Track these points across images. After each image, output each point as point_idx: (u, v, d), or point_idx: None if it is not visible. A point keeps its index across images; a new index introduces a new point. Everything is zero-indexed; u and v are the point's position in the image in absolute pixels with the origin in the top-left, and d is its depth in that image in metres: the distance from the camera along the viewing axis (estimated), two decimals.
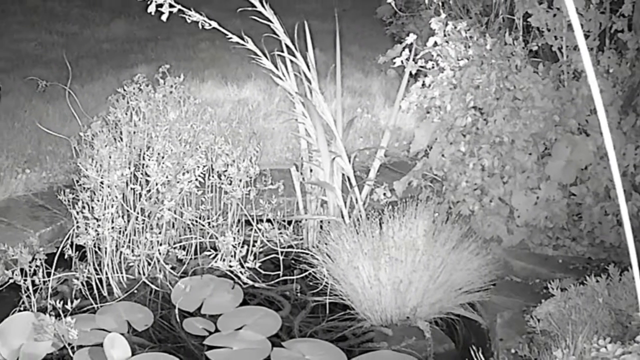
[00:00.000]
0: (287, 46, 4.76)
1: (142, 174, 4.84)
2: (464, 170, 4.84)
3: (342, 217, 4.82)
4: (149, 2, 4.06)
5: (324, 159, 4.83)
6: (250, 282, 4.68)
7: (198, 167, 4.85)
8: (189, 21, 4.35)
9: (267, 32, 4.64)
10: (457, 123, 4.95)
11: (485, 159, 4.79)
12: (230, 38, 4.52)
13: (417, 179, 5.07)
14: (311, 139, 4.90)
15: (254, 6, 4.51)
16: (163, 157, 4.81)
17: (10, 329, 4.19)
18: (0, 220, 5.18)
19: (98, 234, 4.59)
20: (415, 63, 5.37)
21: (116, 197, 4.67)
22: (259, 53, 4.71)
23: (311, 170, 5.01)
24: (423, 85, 5.27)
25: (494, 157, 4.79)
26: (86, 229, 4.59)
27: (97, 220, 4.58)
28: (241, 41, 4.59)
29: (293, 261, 4.87)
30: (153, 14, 4.14)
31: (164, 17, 4.07)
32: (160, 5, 4.01)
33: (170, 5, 4.03)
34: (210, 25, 4.41)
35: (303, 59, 4.80)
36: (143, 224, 4.79)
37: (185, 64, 7.62)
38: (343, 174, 4.93)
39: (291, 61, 4.84)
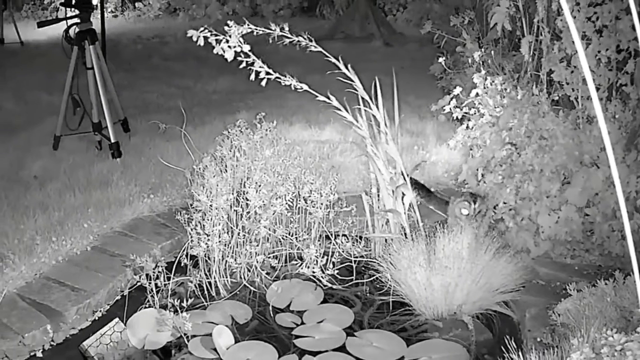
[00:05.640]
0: (362, 98, 4.76)
1: (243, 198, 4.90)
2: (501, 194, 4.85)
3: (404, 234, 4.81)
4: (250, 72, 4.04)
5: (391, 187, 4.84)
6: (329, 285, 4.72)
7: (288, 193, 4.90)
8: (282, 84, 4.31)
9: (339, 84, 4.64)
10: (495, 155, 4.97)
11: (520, 186, 4.80)
12: (317, 97, 4.49)
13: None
14: (379, 171, 4.90)
15: (336, 66, 4.50)
16: (260, 186, 4.87)
17: (138, 322, 4.29)
18: (129, 235, 5.28)
19: (208, 246, 4.67)
20: (461, 110, 5.40)
21: (222, 217, 4.74)
22: (340, 107, 4.70)
23: (379, 196, 5.03)
24: (467, 127, 5.29)
25: (526, 183, 4.80)
26: (198, 242, 4.67)
27: (207, 235, 4.66)
28: (327, 100, 4.57)
29: (363, 268, 4.87)
30: (253, 80, 4.11)
31: (263, 83, 4.05)
32: (258, 74, 4.00)
33: (267, 73, 4.02)
34: (301, 88, 4.37)
35: (375, 107, 4.79)
36: (244, 238, 4.85)
37: (277, 110, 7.66)
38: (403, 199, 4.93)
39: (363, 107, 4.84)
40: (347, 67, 4.52)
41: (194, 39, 3.47)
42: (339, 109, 4.69)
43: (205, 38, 3.64)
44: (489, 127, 5.09)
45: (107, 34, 7.63)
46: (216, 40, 3.64)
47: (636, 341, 2.94)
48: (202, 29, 3.59)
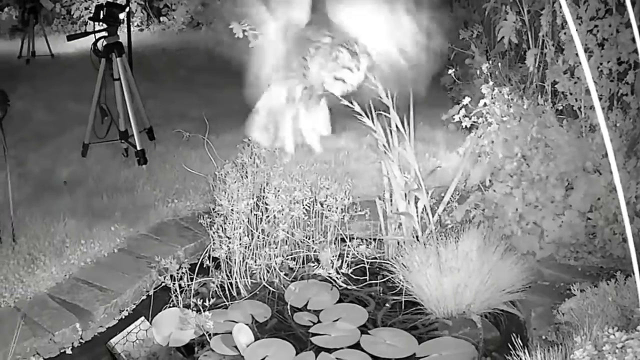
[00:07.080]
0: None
1: (262, 203, 4.92)
2: (509, 202, 4.84)
3: (416, 237, 4.82)
4: None
5: (405, 191, 4.85)
6: (344, 285, 4.73)
7: (305, 198, 4.93)
8: None
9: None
10: (506, 167, 4.97)
11: (526, 193, 4.80)
12: (341, 101, 4.48)
13: (472, 208, 5.08)
14: (394, 175, 4.90)
15: None
16: (279, 191, 4.90)
17: (163, 321, 4.33)
18: (155, 238, 5.31)
19: (229, 249, 4.70)
20: (470, 119, 5.39)
21: (243, 220, 4.77)
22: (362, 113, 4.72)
23: (391, 201, 5.03)
24: (475, 136, 5.29)
25: (532, 190, 4.81)
26: (220, 245, 4.70)
27: (229, 238, 4.70)
28: (350, 105, 4.59)
29: (377, 269, 4.88)
30: None
31: None
32: None
33: None
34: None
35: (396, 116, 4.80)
36: (263, 241, 4.87)
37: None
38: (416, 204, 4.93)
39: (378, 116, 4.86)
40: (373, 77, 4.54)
41: (234, 31, 3.47)
42: (360, 114, 4.71)
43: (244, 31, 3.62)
44: (496, 136, 5.09)
45: (133, 46, 7.69)
46: (253, 34, 3.64)
47: (636, 339, 2.96)
48: (242, 21, 3.60)
